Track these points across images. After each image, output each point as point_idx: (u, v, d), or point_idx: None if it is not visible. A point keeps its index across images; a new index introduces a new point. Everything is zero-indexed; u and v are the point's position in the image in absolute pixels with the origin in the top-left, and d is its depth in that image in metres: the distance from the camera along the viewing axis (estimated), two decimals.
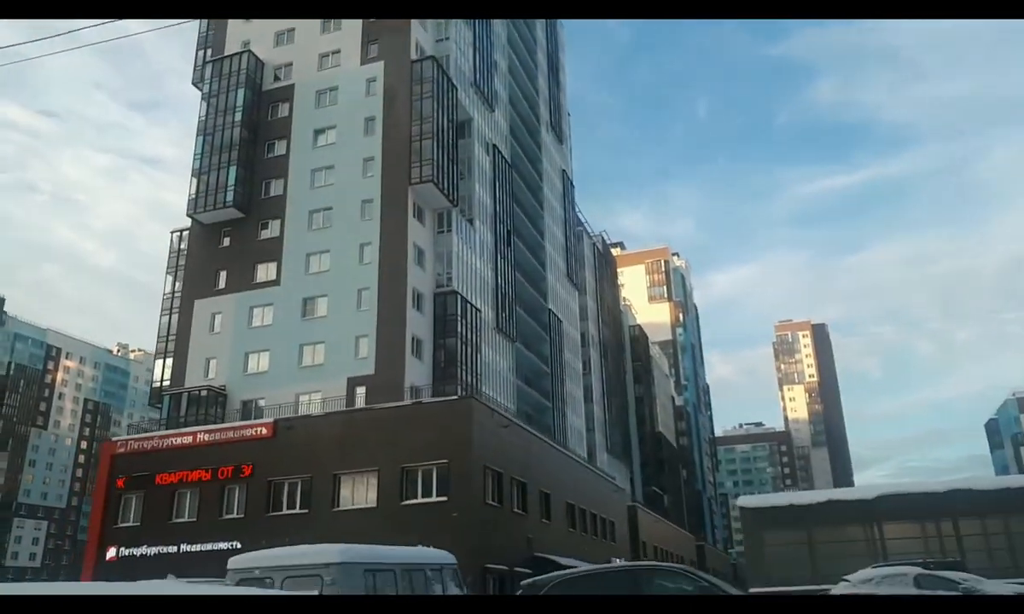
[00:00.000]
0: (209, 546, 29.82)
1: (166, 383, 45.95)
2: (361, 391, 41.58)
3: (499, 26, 62.75)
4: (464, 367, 45.69)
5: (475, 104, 54.27)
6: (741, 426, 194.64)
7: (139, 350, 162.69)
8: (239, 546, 29.73)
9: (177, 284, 48.40)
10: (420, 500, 28.76)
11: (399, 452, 29.38)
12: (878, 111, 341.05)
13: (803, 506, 25.71)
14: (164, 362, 46.50)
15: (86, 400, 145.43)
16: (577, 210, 79.58)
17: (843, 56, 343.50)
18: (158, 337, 47.46)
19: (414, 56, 48.25)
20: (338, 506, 29.71)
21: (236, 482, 31.09)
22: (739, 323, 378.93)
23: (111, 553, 31.35)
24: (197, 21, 54.20)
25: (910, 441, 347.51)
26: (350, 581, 9.73)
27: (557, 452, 41.05)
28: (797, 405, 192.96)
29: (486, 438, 30.22)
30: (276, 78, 51.24)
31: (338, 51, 50.19)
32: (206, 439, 32.32)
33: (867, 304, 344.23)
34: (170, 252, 49.59)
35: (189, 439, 32.58)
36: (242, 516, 30.58)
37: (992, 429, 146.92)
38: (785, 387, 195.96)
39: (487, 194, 54.50)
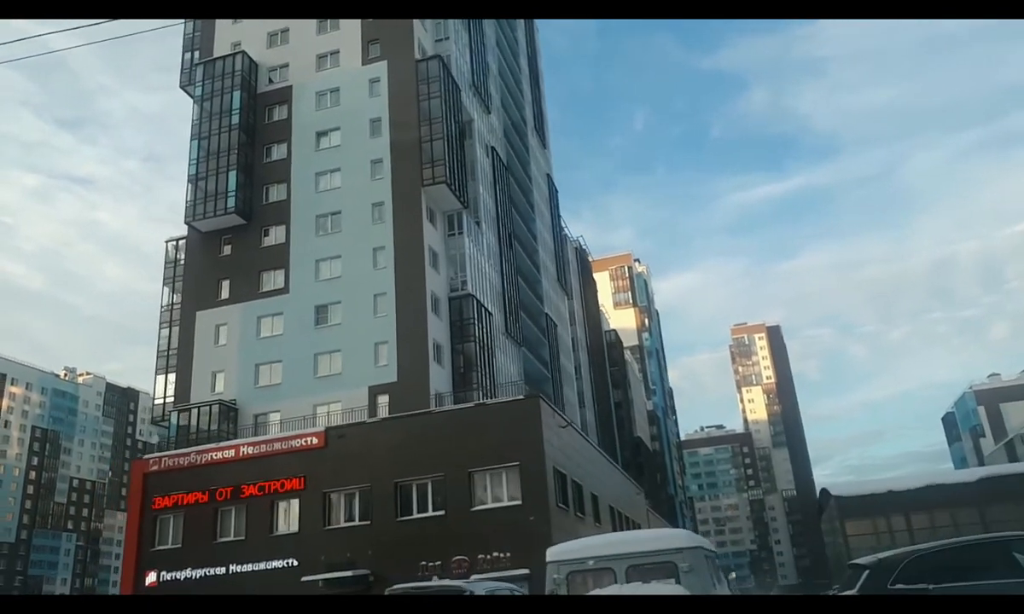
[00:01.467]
0: (263, 565, 27.94)
1: (169, 400, 43.54)
2: (384, 400, 39.92)
3: (488, 28, 61.88)
4: (482, 372, 44.47)
5: (474, 105, 53.25)
6: (703, 429, 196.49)
7: (87, 374, 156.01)
8: (295, 563, 28.03)
9: (175, 296, 45.99)
10: (491, 505, 27.44)
11: (463, 457, 28.01)
12: (807, 120, 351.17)
13: (902, 492, 25.24)
14: (167, 378, 44.01)
15: (33, 428, 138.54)
16: (560, 215, 79.00)
17: (772, 67, 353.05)
18: (158, 352, 44.90)
19: (417, 56, 47.01)
20: (401, 515, 28.09)
21: (287, 496, 29.16)
22: (682, 330, 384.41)
23: (151, 578, 29.01)
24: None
25: (849, 440, 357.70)
26: (700, 566, 8.61)
27: (598, 454, 40.13)
28: (756, 406, 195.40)
29: (552, 439, 29.12)
30: (271, 80, 49.29)
31: (337, 51, 48.52)
32: (250, 452, 30.26)
33: (803, 309, 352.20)
34: (166, 262, 47.08)
35: (231, 453, 30.43)
36: (296, 531, 28.70)
37: (949, 422, 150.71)
38: (744, 389, 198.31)
39: (489, 196, 53.41)
